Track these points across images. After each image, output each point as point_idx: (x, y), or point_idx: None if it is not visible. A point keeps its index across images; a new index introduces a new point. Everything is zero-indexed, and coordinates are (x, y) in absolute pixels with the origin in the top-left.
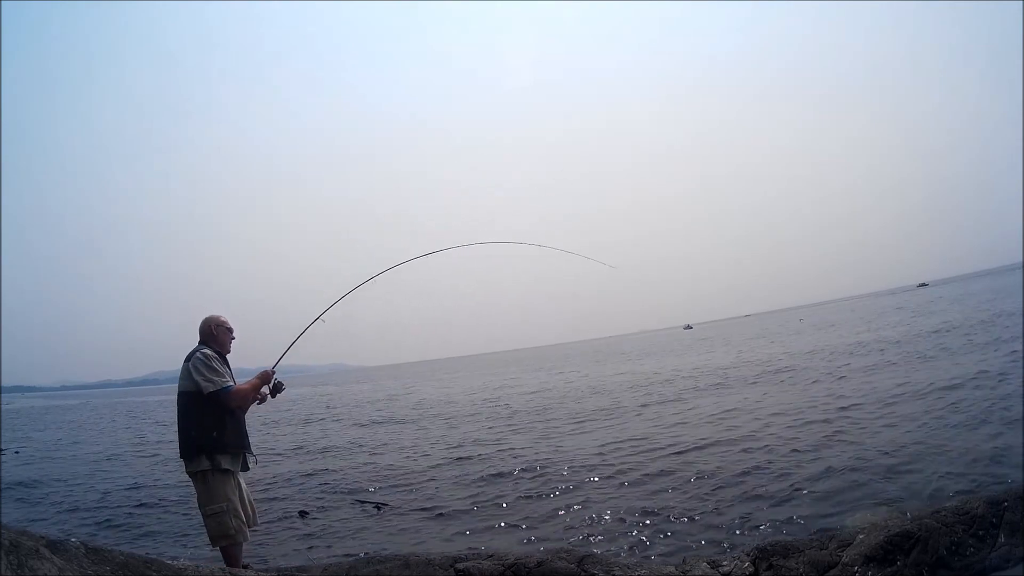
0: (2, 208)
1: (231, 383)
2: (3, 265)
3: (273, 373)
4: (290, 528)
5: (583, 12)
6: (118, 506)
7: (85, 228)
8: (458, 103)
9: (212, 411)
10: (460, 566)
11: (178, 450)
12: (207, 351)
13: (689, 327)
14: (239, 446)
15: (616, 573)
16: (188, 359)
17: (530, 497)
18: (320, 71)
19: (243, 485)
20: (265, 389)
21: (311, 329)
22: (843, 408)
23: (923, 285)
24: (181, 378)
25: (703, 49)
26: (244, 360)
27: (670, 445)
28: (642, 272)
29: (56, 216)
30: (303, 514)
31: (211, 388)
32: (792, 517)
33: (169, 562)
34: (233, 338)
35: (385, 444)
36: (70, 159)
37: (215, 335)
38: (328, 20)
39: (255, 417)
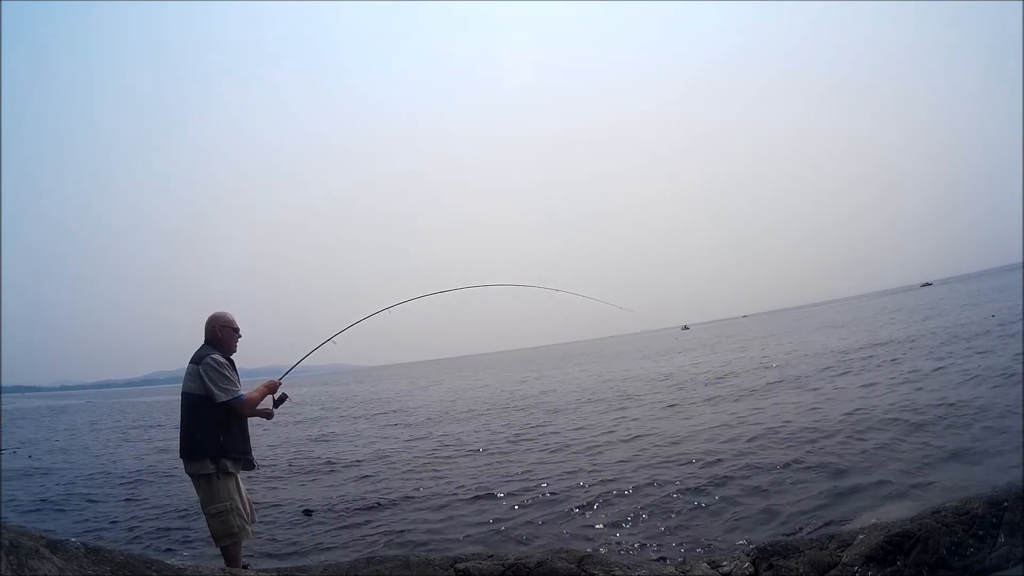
0: (2, 208)
1: (243, 393)
2: (3, 265)
3: (279, 384)
4: (292, 527)
5: (583, 12)
6: (118, 506)
7: (85, 228)
8: (458, 103)
9: (219, 415)
10: (460, 566)
11: (179, 450)
12: (218, 357)
13: (687, 328)
14: (242, 451)
15: (616, 573)
16: (196, 361)
17: (530, 497)
18: (320, 71)
19: (242, 484)
20: (269, 399)
21: (313, 334)
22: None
23: (927, 284)
24: (187, 379)
25: (703, 49)
26: (244, 360)
27: (671, 445)
28: (642, 272)
29: (56, 216)
30: (307, 513)
31: (224, 398)
32: (792, 517)
33: (169, 562)
34: (239, 338)
35: (388, 444)
36: (70, 159)
37: (220, 337)
38: (327, 20)
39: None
